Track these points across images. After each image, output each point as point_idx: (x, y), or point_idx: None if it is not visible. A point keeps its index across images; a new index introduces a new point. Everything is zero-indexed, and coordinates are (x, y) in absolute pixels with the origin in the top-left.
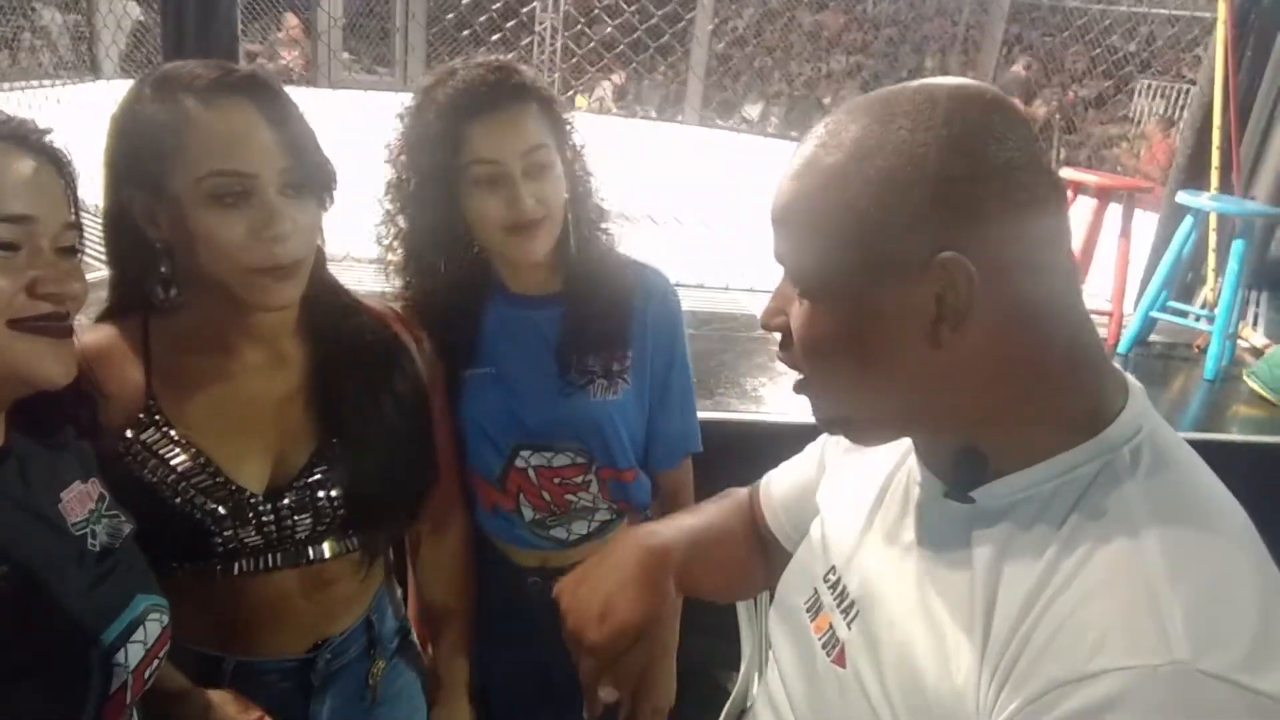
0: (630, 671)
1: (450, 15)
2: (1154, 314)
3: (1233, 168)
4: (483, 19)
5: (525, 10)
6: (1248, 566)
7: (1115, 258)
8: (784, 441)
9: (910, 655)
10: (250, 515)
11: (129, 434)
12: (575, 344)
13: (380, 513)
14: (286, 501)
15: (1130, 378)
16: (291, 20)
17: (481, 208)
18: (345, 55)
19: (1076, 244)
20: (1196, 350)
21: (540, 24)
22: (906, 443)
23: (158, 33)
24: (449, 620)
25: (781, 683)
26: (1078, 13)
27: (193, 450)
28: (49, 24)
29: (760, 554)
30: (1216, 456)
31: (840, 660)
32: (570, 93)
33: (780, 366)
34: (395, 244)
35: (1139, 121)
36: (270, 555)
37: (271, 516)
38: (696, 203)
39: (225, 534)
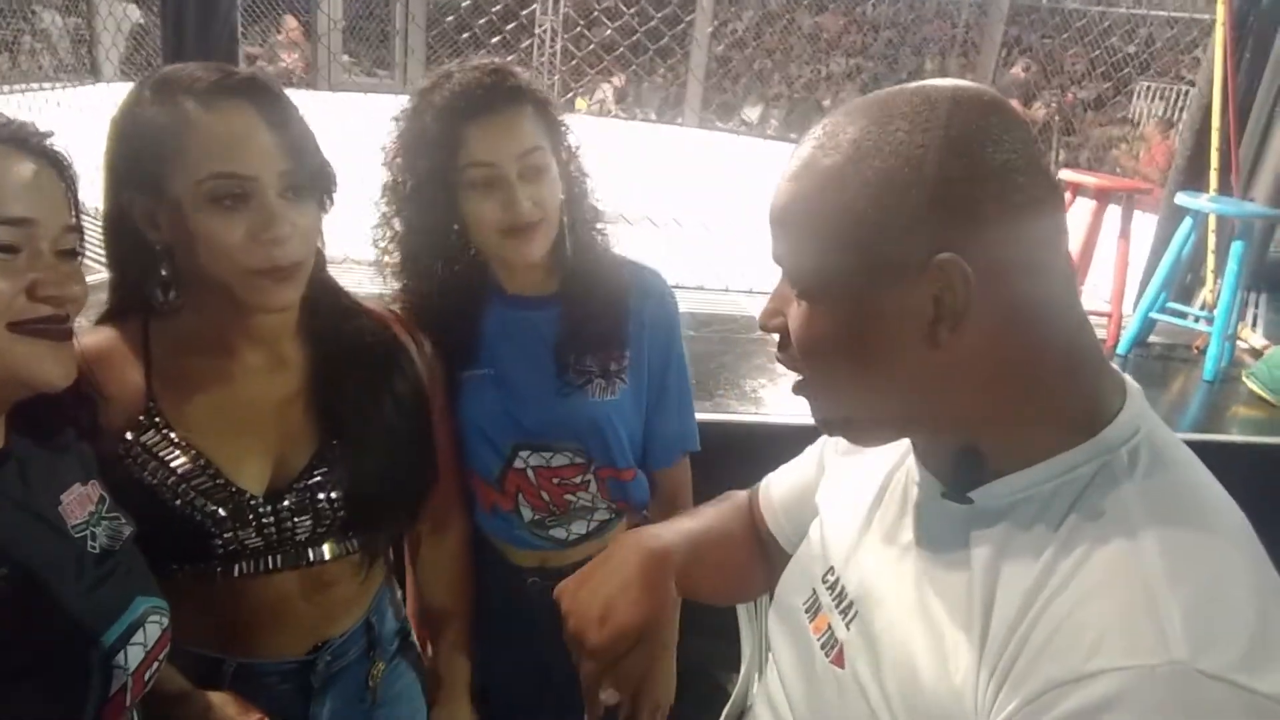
0: (631, 674)
1: (450, 18)
2: (1153, 315)
3: (1232, 169)
4: (482, 21)
5: (525, 13)
6: (1245, 567)
7: (1114, 259)
8: (784, 443)
9: (909, 655)
10: (250, 517)
11: (129, 436)
12: (573, 344)
13: (380, 514)
14: (286, 503)
15: (1128, 378)
16: (291, 23)
17: (478, 210)
18: (345, 58)
19: (1076, 245)
20: (1196, 351)
21: (540, 27)
22: (905, 443)
23: (157, 36)
24: (449, 621)
25: (780, 683)
26: (1077, 15)
27: (193, 452)
28: (49, 27)
29: (761, 557)
30: (1216, 458)
31: (839, 661)
32: (570, 95)
33: (780, 368)
34: (391, 247)
35: (1138, 123)
36: (270, 557)
37: (271, 518)
38: (696, 205)
39: (225, 536)
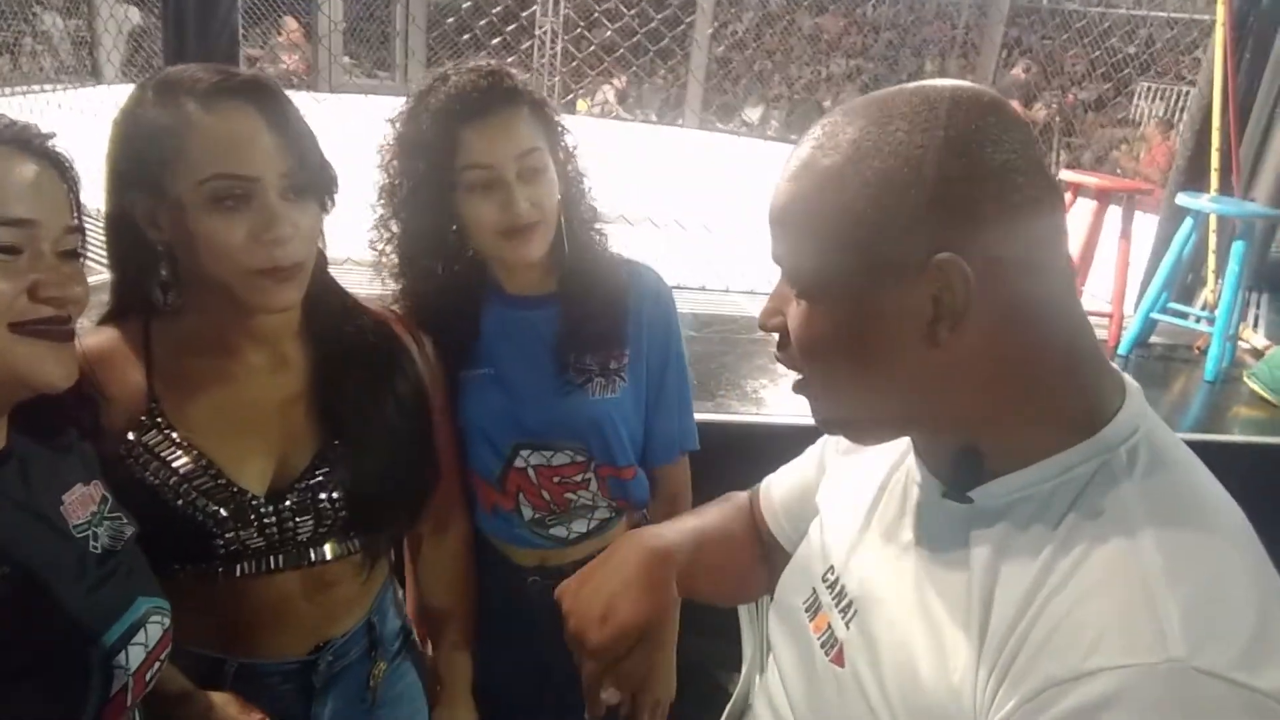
0: (632, 673)
1: (450, 19)
2: (1154, 315)
3: (1232, 169)
4: (483, 23)
5: (525, 15)
6: (1244, 565)
7: (1115, 259)
8: (784, 443)
9: (908, 654)
10: (252, 517)
11: (131, 436)
12: (572, 343)
13: (382, 514)
14: (288, 503)
15: (1128, 378)
16: (292, 24)
17: (476, 212)
18: (346, 60)
19: (1077, 246)
20: (1197, 352)
21: (540, 28)
22: (905, 443)
23: (158, 37)
24: (450, 621)
25: (781, 682)
26: (1077, 15)
27: (194, 452)
28: (50, 29)
29: (762, 558)
30: (1217, 458)
31: (839, 660)
32: (570, 96)
33: (780, 368)
34: (388, 248)
35: (1139, 124)
36: (272, 557)
37: (273, 518)
38: (697, 206)
39: (227, 536)
